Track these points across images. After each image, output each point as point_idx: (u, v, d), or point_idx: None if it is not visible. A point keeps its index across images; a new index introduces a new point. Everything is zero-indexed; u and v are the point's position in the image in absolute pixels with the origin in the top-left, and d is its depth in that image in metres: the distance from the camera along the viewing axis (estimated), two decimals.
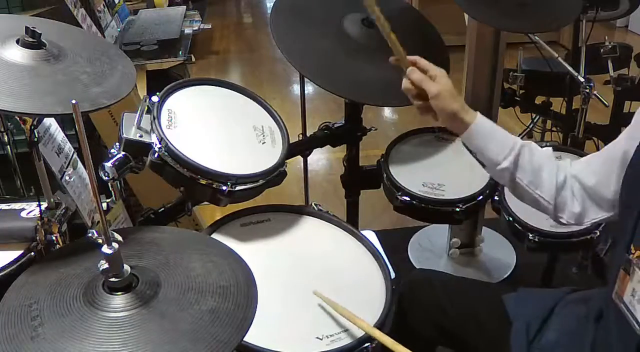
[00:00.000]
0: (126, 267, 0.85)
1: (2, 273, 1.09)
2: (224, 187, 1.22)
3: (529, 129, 2.84)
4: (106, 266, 0.83)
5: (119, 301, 0.83)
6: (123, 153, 1.20)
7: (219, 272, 0.92)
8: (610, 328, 0.97)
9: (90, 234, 0.85)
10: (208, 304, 0.85)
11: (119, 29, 3.09)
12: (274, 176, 1.31)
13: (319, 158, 3.12)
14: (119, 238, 0.84)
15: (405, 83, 1.19)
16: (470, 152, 1.18)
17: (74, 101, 0.78)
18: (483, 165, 1.19)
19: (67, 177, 1.28)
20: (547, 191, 1.13)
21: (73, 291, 0.85)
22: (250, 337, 0.84)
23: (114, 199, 1.28)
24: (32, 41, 1.04)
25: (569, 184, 1.13)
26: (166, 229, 1.10)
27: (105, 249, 0.82)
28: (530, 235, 1.50)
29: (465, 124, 1.13)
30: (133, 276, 0.86)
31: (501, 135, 1.15)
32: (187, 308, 0.84)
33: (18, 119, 1.13)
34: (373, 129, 1.81)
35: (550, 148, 1.21)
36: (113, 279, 0.83)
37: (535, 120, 2.78)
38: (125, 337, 0.78)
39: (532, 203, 1.16)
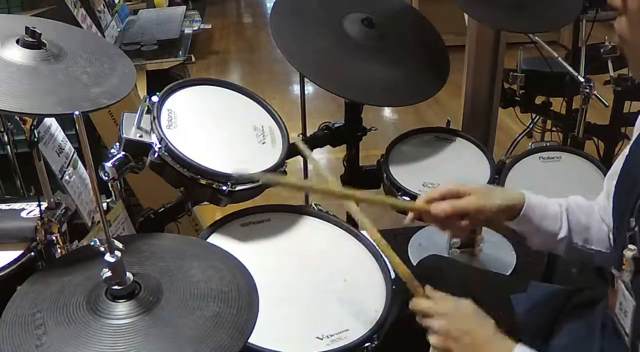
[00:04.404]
0: (128, 275, 0.85)
1: (2, 273, 1.09)
2: (224, 187, 1.22)
3: (529, 129, 2.84)
4: (109, 274, 0.83)
5: (122, 308, 0.83)
6: (123, 153, 1.20)
7: (220, 277, 0.92)
8: (612, 339, 0.97)
9: (92, 243, 0.85)
10: (210, 309, 0.85)
11: (119, 29, 3.09)
12: None
13: (319, 158, 3.12)
14: (121, 246, 0.84)
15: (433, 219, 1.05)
16: (518, 235, 1.10)
17: (77, 112, 0.79)
18: (529, 243, 1.10)
19: (67, 177, 1.28)
20: (600, 242, 1.08)
21: (76, 299, 0.86)
22: (251, 337, 0.84)
23: (114, 199, 1.28)
24: (32, 41, 1.04)
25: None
26: (167, 235, 1.10)
27: (108, 257, 0.83)
28: None
29: (517, 208, 1.04)
30: (135, 284, 0.86)
31: (548, 204, 1.07)
32: (190, 314, 0.84)
33: (18, 119, 1.13)
34: (373, 129, 1.81)
35: (579, 196, 1.14)
36: (116, 287, 0.84)
37: (535, 120, 2.78)
38: (129, 344, 0.79)
39: (590, 258, 1.10)
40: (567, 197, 1.15)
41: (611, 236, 1.08)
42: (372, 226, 1.06)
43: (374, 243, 1.04)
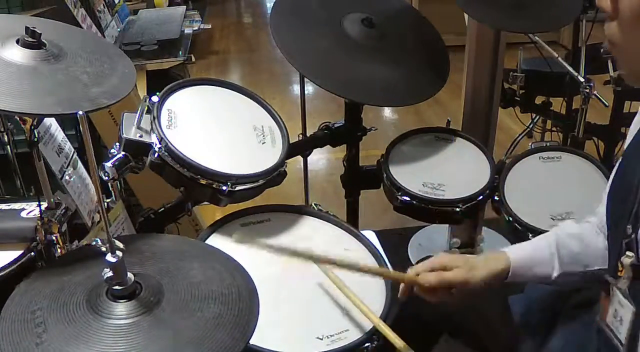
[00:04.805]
0: (130, 275, 0.85)
1: (2, 273, 1.09)
2: (224, 187, 1.22)
3: (529, 129, 2.84)
4: (110, 274, 0.83)
5: (122, 308, 0.83)
6: (123, 153, 1.20)
7: (220, 279, 0.92)
8: (608, 340, 0.96)
9: (94, 243, 0.85)
10: (211, 310, 0.85)
11: (119, 29, 3.09)
12: (274, 175, 1.31)
13: (319, 158, 3.12)
14: (122, 246, 0.84)
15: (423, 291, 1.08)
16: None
17: (81, 112, 0.79)
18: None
19: (67, 177, 1.28)
20: (603, 260, 1.06)
21: (76, 298, 0.86)
22: (251, 338, 0.85)
23: (114, 199, 1.28)
24: (32, 41, 1.04)
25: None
26: (167, 236, 1.10)
27: (109, 257, 0.83)
28: (531, 235, 1.50)
29: (504, 274, 1.08)
30: (136, 284, 0.86)
31: (535, 252, 1.09)
32: (191, 315, 0.84)
33: (18, 119, 1.14)
34: (373, 129, 1.81)
35: (569, 222, 1.16)
36: (117, 287, 0.84)
37: (535, 120, 2.78)
38: (129, 344, 0.79)
39: (595, 276, 1.09)
40: (558, 225, 1.16)
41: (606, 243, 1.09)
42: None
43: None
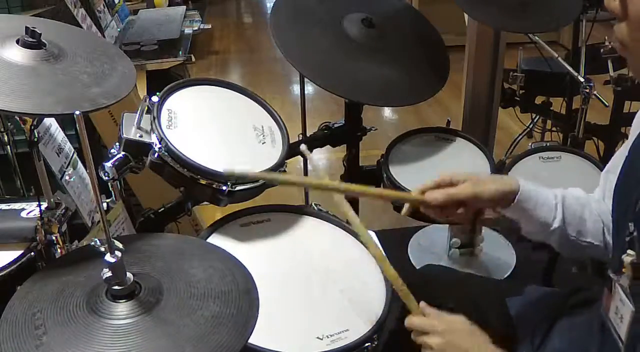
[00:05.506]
0: (129, 275, 0.85)
1: (2, 273, 1.09)
2: (224, 187, 1.22)
3: (529, 129, 2.84)
4: (109, 274, 0.83)
5: (122, 308, 0.83)
6: (123, 153, 1.20)
7: (220, 277, 0.92)
8: (611, 339, 0.96)
9: (93, 243, 0.85)
10: (210, 309, 0.85)
11: (119, 29, 3.09)
12: None
13: (319, 158, 3.12)
14: (121, 246, 0.84)
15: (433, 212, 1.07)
16: (514, 224, 1.09)
17: (77, 112, 0.79)
18: (520, 235, 1.10)
19: (67, 177, 1.28)
20: (594, 235, 1.07)
21: (76, 299, 0.86)
22: (251, 337, 0.84)
23: (114, 199, 1.28)
24: (32, 41, 1.04)
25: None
26: (167, 235, 1.10)
27: (108, 257, 0.83)
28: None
29: (511, 196, 1.03)
30: (136, 284, 0.86)
31: (543, 192, 1.06)
32: (190, 314, 0.84)
33: (18, 119, 1.14)
34: (373, 129, 1.81)
35: (578, 188, 1.13)
36: (116, 287, 0.84)
37: (535, 120, 2.78)
38: (129, 344, 0.79)
39: (582, 251, 1.09)
40: (566, 188, 1.14)
41: (606, 231, 1.08)
42: (370, 239, 1.09)
43: (375, 258, 1.08)
